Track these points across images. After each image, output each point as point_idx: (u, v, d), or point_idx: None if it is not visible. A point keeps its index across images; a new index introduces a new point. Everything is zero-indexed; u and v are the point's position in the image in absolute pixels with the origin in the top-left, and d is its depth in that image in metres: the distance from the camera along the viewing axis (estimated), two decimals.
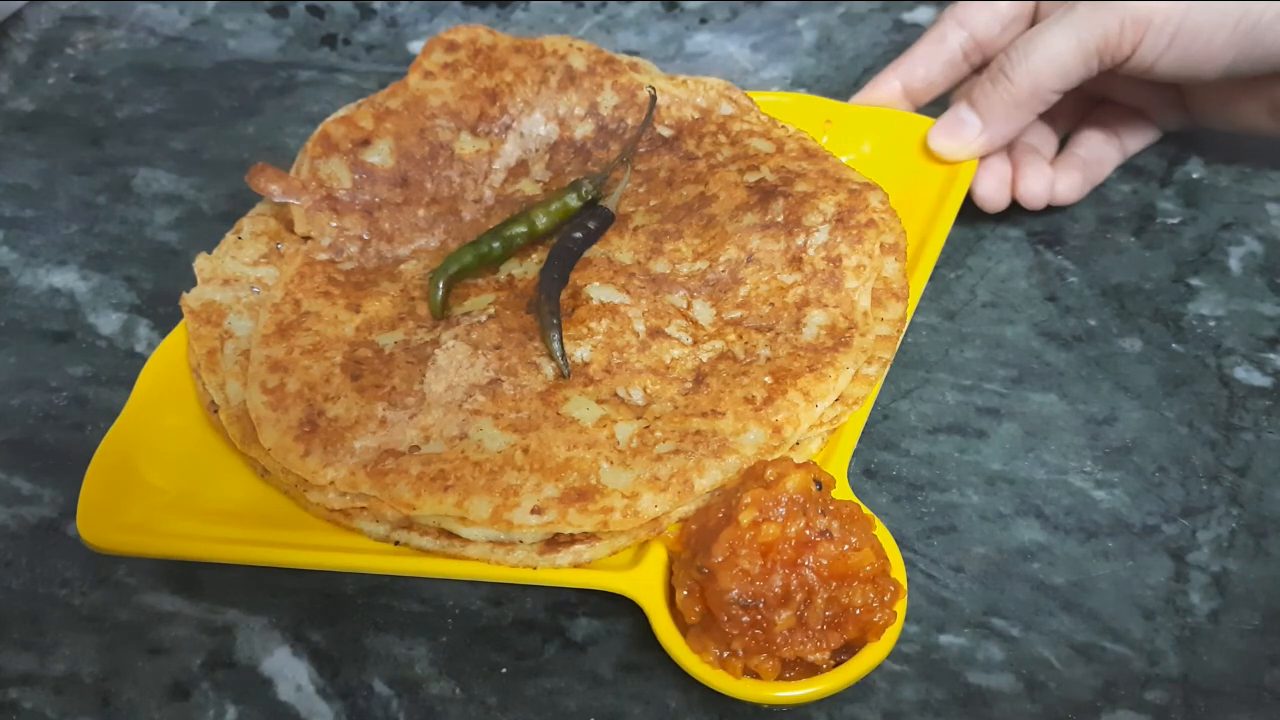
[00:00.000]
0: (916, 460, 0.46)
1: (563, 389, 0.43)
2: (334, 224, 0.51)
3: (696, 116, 0.55)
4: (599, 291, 0.47)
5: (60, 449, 0.49)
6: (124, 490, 0.42)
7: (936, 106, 0.56)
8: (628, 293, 0.47)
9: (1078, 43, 0.49)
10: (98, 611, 0.43)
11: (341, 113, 0.55)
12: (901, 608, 0.37)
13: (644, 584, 0.39)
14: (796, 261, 0.47)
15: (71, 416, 0.50)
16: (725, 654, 0.36)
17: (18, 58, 0.73)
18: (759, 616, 0.35)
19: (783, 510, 0.36)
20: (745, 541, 0.36)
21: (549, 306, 0.45)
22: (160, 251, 0.59)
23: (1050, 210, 0.56)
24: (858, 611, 0.36)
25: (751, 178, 0.51)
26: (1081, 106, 0.58)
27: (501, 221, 0.51)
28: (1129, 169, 0.59)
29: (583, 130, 0.56)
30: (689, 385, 0.44)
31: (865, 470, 0.46)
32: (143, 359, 0.48)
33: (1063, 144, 0.58)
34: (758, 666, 0.36)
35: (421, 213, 0.53)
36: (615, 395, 0.43)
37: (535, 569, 0.40)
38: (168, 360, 0.47)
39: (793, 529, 0.36)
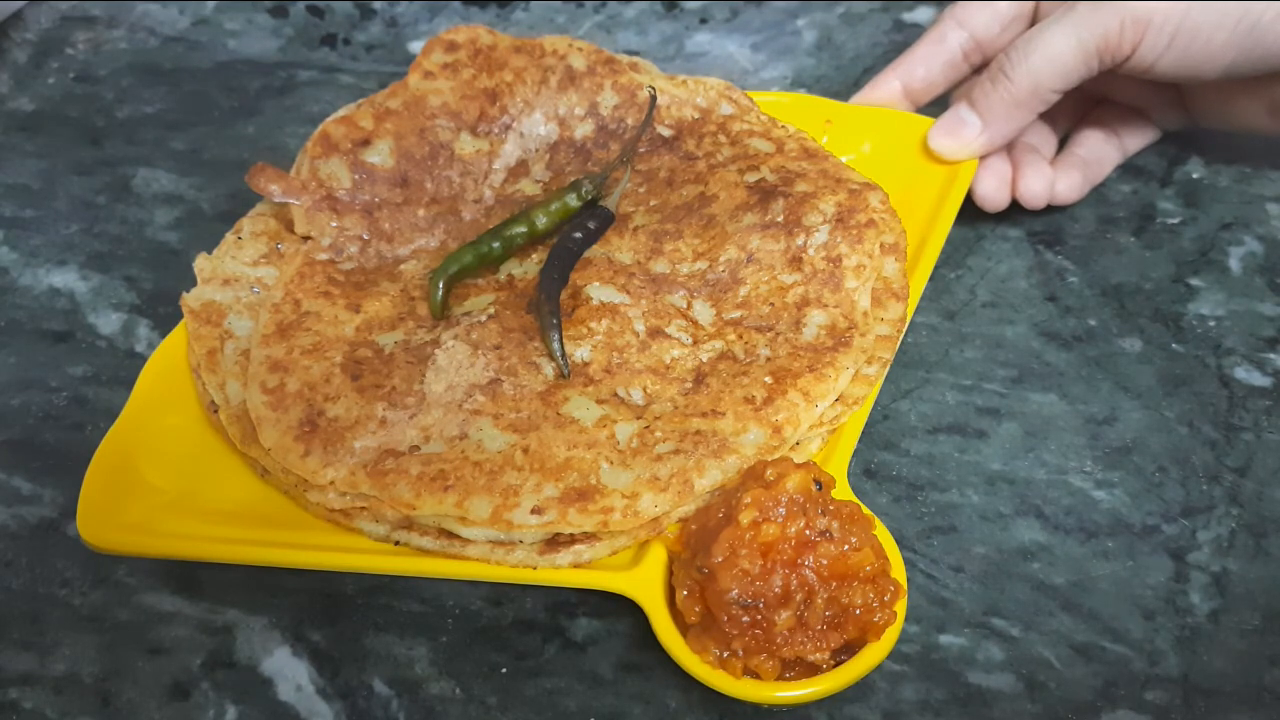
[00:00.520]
0: (916, 460, 0.46)
1: (563, 389, 0.43)
2: (334, 224, 0.51)
3: (696, 116, 0.55)
4: (599, 291, 0.47)
5: (60, 449, 0.49)
6: (124, 490, 0.42)
7: (937, 106, 0.56)
8: (628, 293, 0.47)
9: (1078, 42, 0.49)
10: (98, 611, 0.43)
11: (341, 113, 0.55)
12: (901, 608, 0.37)
13: (644, 584, 0.39)
14: (796, 261, 0.47)
15: (71, 416, 0.50)
16: (725, 654, 0.36)
17: (18, 58, 0.73)
18: (759, 616, 0.35)
19: (783, 510, 0.36)
20: (745, 541, 0.36)
21: (549, 306, 0.45)
22: (160, 251, 0.59)
23: (1050, 210, 0.56)
24: (858, 611, 0.36)
25: (751, 178, 0.51)
26: (1081, 106, 0.58)
27: (501, 221, 0.51)
28: (1129, 169, 0.59)
29: (583, 130, 0.56)
30: (689, 385, 0.44)
31: (865, 470, 0.46)
32: (143, 359, 0.48)
33: (1062, 144, 0.58)
34: (758, 666, 0.36)
35: (421, 213, 0.53)
36: (615, 395, 0.43)
37: (535, 569, 0.40)
38: (168, 360, 0.47)
39: (793, 529, 0.36)
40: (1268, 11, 0.47)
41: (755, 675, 0.36)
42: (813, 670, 0.36)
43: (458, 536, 0.40)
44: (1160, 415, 0.47)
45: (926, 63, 0.56)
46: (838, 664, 0.36)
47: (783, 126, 0.55)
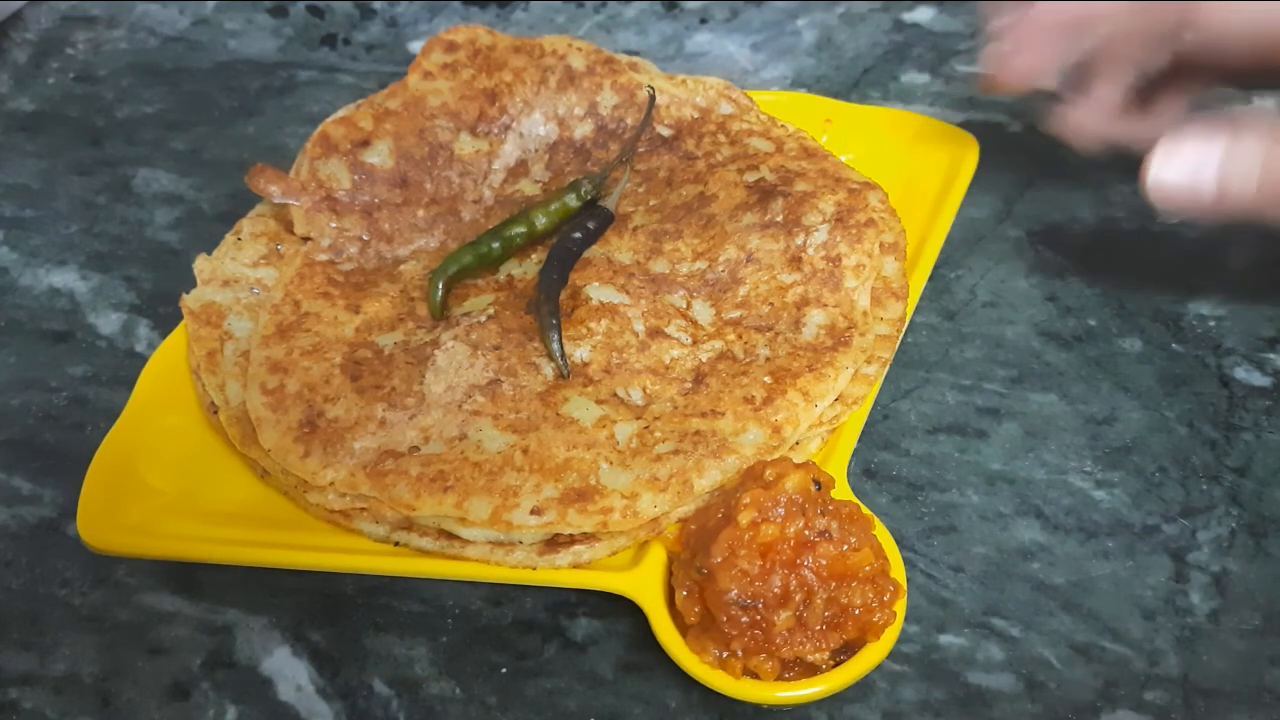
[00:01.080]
0: (916, 460, 0.46)
1: (562, 389, 0.43)
2: (333, 225, 0.51)
3: (696, 116, 0.55)
4: (598, 292, 0.47)
5: (60, 449, 0.49)
6: (124, 491, 0.42)
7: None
8: (627, 293, 0.47)
9: None
10: (98, 611, 0.43)
11: (341, 113, 0.55)
12: (901, 608, 0.37)
13: (643, 584, 0.39)
14: (796, 261, 0.47)
15: (71, 416, 0.50)
16: (725, 654, 0.36)
17: (18, 58, 0.73)
18: (758, 617, 0.35)
19: (782, 510, 0.36)
20: (744, 542, 0.36)
21: (548, 307, 0.45)
22: (160, 251, 0.59)
23: (1050, 210, 0.56)
24: (857, 611, 0.36)
25: (751, 177, 0.51)
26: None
27: (501, 222, 0.51)
28: (1129, 169, 0.58)
29: (582, 130, 0.56)
30: (688, 385, 0.44)
31: (865, 470, 0.46)
32: (143, 359, 0.48)
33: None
34: (757, 667, 0.36)
35: (421, 213, 0.53)
36: (615, 395, 0.43)
37: (535, 569, 0.40)
38: (168, 361, 0.47)
39: (792, 529, 0.36)
40: None
41: (755, 675, 0.36)
42: (812, 670, 0.36)
43: (457, 537, 0.40)
44: (1160, 415, 0.47)
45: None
46: (837, 664, 0.36)
47: (782, 126, 0.55)
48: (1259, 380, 0.48)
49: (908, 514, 0.44)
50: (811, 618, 0.36)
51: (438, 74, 0.56)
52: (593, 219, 0.50)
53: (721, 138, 0.54)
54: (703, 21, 0.73)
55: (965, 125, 0.58)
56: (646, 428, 0.42)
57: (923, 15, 0.72)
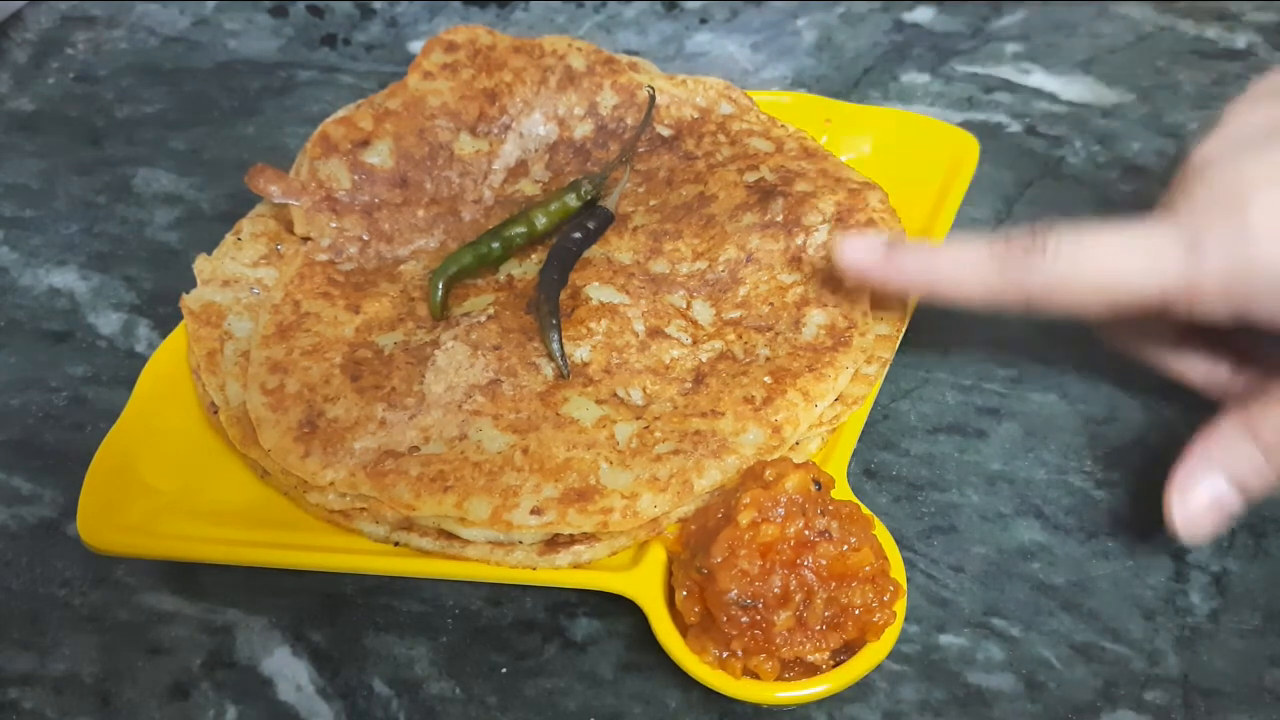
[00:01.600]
0: (916, 460, 0.46)
1: (562, 389, 0.43)
2: (333, 225, 0.51)
3: (696, 116, 0.55)
4: (598, 292, 0.47)
5: (60, 449, 0.49)
6: (124, 491, 0.42)
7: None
8: (627, 293, 0.47)
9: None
10: (98, 611, 0.43)
11: (341, 113, 0.55)
12: (901, 608, 0.37)
13: (643, 584, 0.39)
14: (796, 261, 0.47)
15: (71, 416, 0.50)
16: (725, 654, 0.36)
17: (18, 58, 0.73)
18: (758, 617, 0.35)
19: (782, 510, 0.36)
20: (744, 542, 0.36)
21: (548, 307, 0.45)
22: (160, 251, 0.59)
23: (1050, 210, 0.56)
24: (857, 611, 0.36)
25: (751, 177, 0.51)
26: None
27: (501, 222, 0.51)
28: (1129, 169, 0.59)
29: (582, 130, 0.56)
30: (688, 385, 0.44)
31: (865, 470, 0.46)
32: (143, 359, 0.48)
33: None
34: (757, 667, 0.36)
35: (421, 213, 0.53)
36: (615, 395, 0.43)
37: (535, 569, 0.40)
38: (168, 361, 0.47)
39: (792, 529, 0.36)
40: None
41: (755, 675, 0.36)
42: (812, 670, 0.36)
43: (457, 537, 0.40)
44: (1160, 415, 0.47)
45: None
46: (837, 664, 0.36)
47: (782, 126, 0.55)
48: None
49: (908, 514, 0.44)
50: (811, 618, 0.36)
51: (438, 74, 0.56)
52: (593, 219, 0.50)
53: (721, 138, 0.54)
54: (703, 21, 0.73)
55: (965, 125, 0.58)
56: (646, 428, 0.42)
57: (923, 15, 0.72)
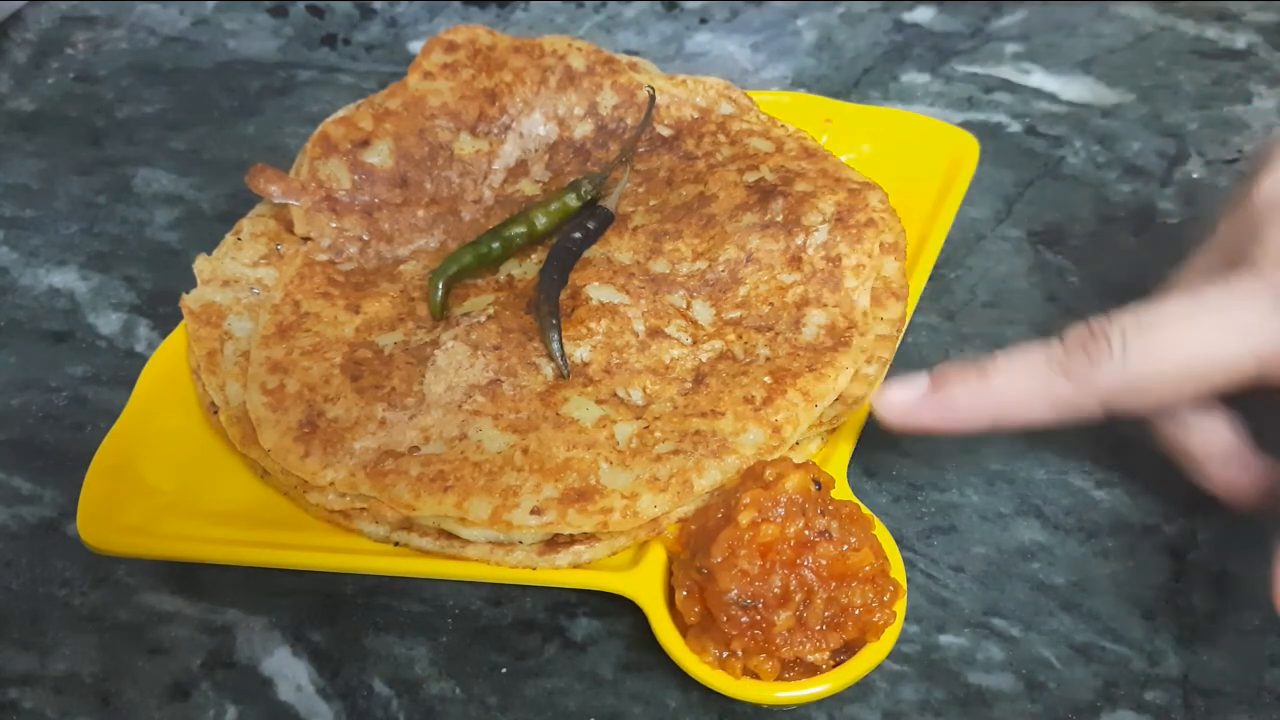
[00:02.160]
0: (916, 460, 0.46)
1: (562, 389, 0.43)
2: (333, 225, 0.51)
3: (696, 116, 0.55)
4: (598, 292, 0.47)
5: (60, 449, 0.49)
6: (124, 491, 0.42)
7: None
8: (627, 293, 0.47)
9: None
10: (98, 611, 0.43)
11: (341, 113, 0.55)
12: (901, 608, 0.37)
13: (643, 584, 0.39)
14: (796, 261, 0.47)
15: (71, 416, 0.50)
16: (725, 654, 0.36)
17: (18, 58, 0.73)
18: (758, 617, 0.35)
19: (782, 510, 0.36)
20: (744, 542, 0.36)
21: (548, 307, 0.45)
22: (160, 251, 0.59)
23: (1050, 210, 0.56)
24: (857, 611, 0.36)
25: (751, 177, 0.51)
26: None
27: (501, 222, 0.51)
28: (1129, 169, 0.59)
29: (582, 130, 0.56)
30: (688, 385, 0.44)
31: (865, 470, 0.46)
32: (143, 359, 0.48)
33: None
34: (757, 667, 0.36)
35: (421, 213, 0.53)
36: (615, 395, 0.43)
37: (535, 569, 0.40)
38: (168, 361, 0.47)
39: (792, 529, 0.36)
40: None
41: (755, 675, 0.36)
42: (812, 670, 0.36)
43: (457, 537, 0.40)
44: None
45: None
46: (837, 664, 0.36)
47: (782, 126, 0.55)
48: None
49: (908, 514, 0.44)
50: (811, 618, 0.36)
51: (438, 74, 0.56)
52: (593, 219, 0.50)
53: (721, 138, 0.54)
54: (703, 21, 0.73)
55: (965, 125, 0.58)
56: (646, 428, 0.42)
57: (923, 15, 0.72)
